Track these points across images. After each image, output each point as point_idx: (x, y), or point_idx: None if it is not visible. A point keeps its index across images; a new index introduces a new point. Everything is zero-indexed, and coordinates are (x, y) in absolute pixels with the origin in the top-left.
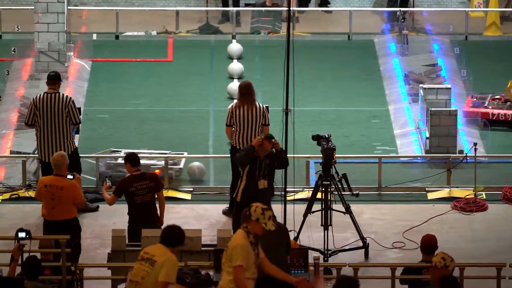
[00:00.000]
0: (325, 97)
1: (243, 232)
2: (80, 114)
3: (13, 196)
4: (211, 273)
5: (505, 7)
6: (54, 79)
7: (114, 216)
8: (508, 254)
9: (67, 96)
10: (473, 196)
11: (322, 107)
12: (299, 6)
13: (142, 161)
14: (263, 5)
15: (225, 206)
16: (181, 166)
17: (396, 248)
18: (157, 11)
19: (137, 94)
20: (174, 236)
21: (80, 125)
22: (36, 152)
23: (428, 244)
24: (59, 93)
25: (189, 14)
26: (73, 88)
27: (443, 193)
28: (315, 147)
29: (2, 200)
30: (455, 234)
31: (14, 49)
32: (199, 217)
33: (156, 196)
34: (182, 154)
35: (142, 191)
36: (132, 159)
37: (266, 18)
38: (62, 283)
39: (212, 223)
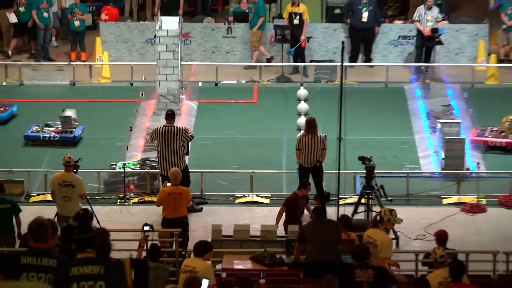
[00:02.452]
0: (368, 128)
1: (384, 232)
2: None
3: (141, 200)
4: (284, 256)
5: (501, 62)
6: (171, 116)
7: (213, 215)
8: (503, 244)
9: (180, 127)
10: (476, 202)
11: (365, 136)
12: (350, 62)
13: None
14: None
15: None
16: None
17: (419, 239)
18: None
19: (231, 126)
20: (202, 247)
21: (190, 146)
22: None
23: (441, 237)
24: (174, 126)
25: (269, 68)
26: (185, 122)
27: (454, 199)
28: (360, 165)
29: (133, 203)
30: (463, 229)
31: (142, 93)
32: (275, 216)
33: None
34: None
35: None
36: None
37: (325, 70)
38: (175, 263)
39: None
